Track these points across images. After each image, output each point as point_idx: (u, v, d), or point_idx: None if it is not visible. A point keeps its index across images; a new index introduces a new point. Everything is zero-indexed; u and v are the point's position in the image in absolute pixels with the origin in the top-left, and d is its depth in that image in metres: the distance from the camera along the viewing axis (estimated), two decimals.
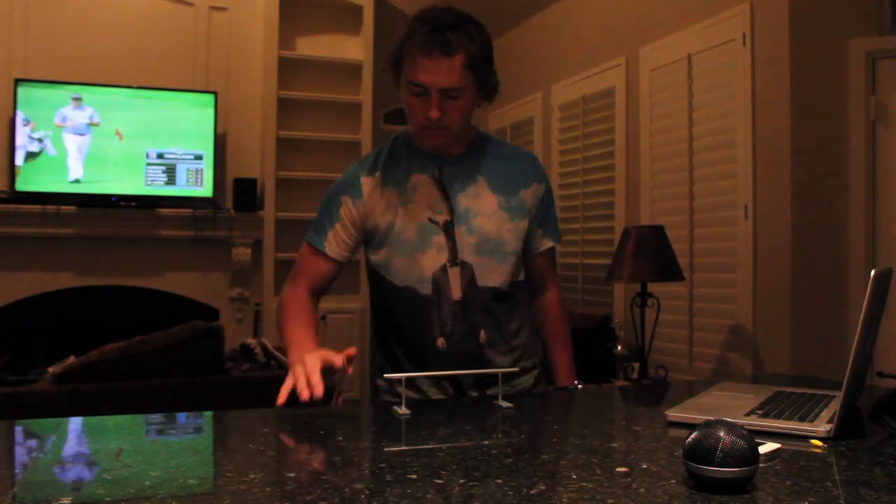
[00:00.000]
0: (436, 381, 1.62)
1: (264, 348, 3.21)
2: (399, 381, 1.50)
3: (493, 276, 1.61)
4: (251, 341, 3.30)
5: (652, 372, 3.76)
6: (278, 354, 3.17)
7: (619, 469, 0.99)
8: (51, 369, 3.01)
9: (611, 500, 0.85)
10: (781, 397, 1.37)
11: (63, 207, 4.85)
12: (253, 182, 5.28)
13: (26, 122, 4.79)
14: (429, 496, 0.87)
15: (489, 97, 1.60)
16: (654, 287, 3.69)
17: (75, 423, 1.36)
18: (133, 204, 5.01)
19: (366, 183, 1.62)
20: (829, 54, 3.30)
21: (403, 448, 1.15)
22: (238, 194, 5.22)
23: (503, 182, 1.64)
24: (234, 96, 5.37)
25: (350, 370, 1.32)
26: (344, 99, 5.57)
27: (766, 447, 1.04)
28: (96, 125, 4.93)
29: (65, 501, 0.86)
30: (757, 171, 3.43)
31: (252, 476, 0.95)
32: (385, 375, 1.65)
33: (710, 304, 3.70)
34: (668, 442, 1.14)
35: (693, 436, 0.91)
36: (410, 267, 1.59)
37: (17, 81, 4.78)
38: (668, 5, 4.06)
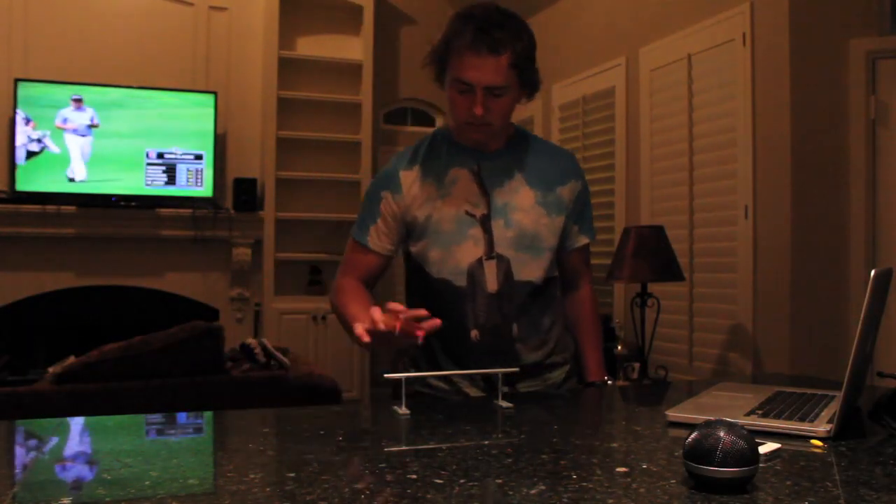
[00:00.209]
0: (469, 375, 1.64)
1: (264, 348, 3.20)
2: (411, 377, 1.52)
3: (529, 270, 1.64)
4: (251, 341, 3.30)
5: (652, 372, 3.76)
6: (278, 354, 3.17)
7: (619, 469, 0.99)
8: (51, 369, 3.01)
9: (611, 500, 0.85)
10: (781, 397, 1.37)
11: (63, 207, 4.85)
12: (253, 182, 5.28)
13: (26, 122, 4.79)
14: (429, 496, 0.87)
15: (531, 95, 1.63)
16: (654, 287, 3.69)
17: (75, 423, 1.36)
18: (133, 204, 5.01)
19: (405, 177, 1.65)
20: (829, 54, 3.30)
21: (403, 448, 1.15)
22: (238, 194, 5.22)
23: (541, 178, 1.66)
24: (234, 96, 5.37)
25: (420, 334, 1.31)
26: (344, 99, 5.57)
27: (766, 447, 1.04)
28: (96, 126, 4.93)
29: (65, 501, 0.86)
30: (757, 171, 3.43)
31: (252, 476, 0.95)
32: (385, 375, 1.65)
33: (710, 304, 3.70)
34: (668, 442, 1.14)
35: (693, 436, 0.91)
36: (447, 259, 1.62)
37: (17, 81, 4.78)
38: (668, 5, 4.06)
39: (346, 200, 5.56)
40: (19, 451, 1.17)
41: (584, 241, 1.75)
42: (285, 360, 3.15)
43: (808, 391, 1.43)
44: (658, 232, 3.53)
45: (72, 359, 3.03)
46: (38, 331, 4.96)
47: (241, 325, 5.38)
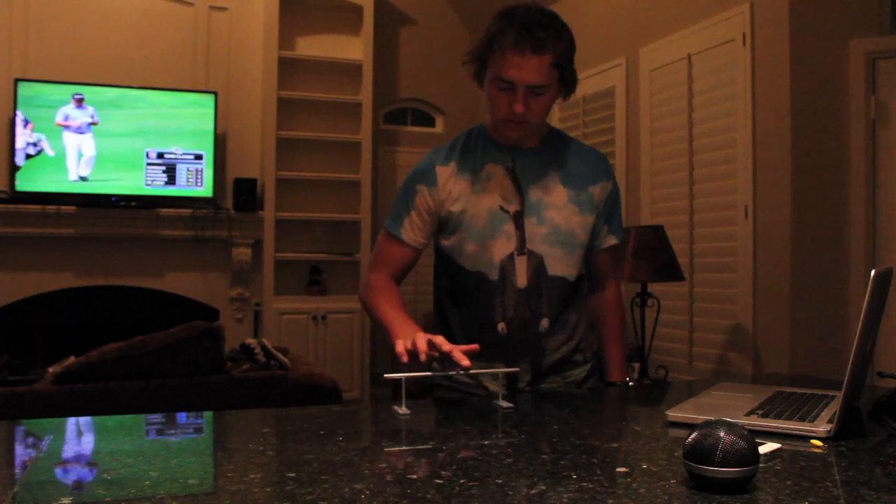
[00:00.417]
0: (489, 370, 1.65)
1: (264, 348, 3.20)
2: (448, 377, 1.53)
3: (562, 266, 1.67)
4: (251, 341, 3.30)
5: (652, 372, 3.76)
6: (278, 354, 3.17)
7: (619, 469, 0.99)
8: (51, 369, 3.01)
9: (611, 500, 0.85)
10: (781, 397, 1.37)
11: (63, 207, 4.85)
12: (253, 182, 5.28)
13: (26, 122, 4.79)
14: (429, 496, 0.87)
15: (567, 95, 1.65)
16: (654, 287, 3.69)
17: (75, 423, 1.36)
18: (133, 204, 5.01)
19: (441, 172, 1.68)
20: (829, 54, 3.30)
21: (403, 448, 1.15)
22: (238, 194, 5.22)
23: (574, 177, 1.70)
24: (234, 96, 5.37)
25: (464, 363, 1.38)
26: (344, 99, 5.57)
27: (766, 447, 1.04)
28: (96, 125, 4.93)
29: (65, 501, 0.86)
30: (757, 171, 3.43)
31: (252, 476, 0.95)
32: (385, 375, 1.65)
33: (710, 304, 3.70)
34: (668, 442, 1.14)
35: (693, 436, 0.91)
36: (481, 253, 1.64)
37: (17, 81, 4.78)
38: (668, 5, 4.06)
39: (346, 200, 5.56)
40: (19, 451, 1.17)
41: (612, 241, 1.78)
42: (285, 360, 3.15)
43: (808, 391, 1.43)
44: (658, 232, 3.53)
45: (72, 359, 3.02)
46: (38, 331, 4.96)
47: (241, 325, 5.38)
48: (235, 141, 5.40)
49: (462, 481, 0.93)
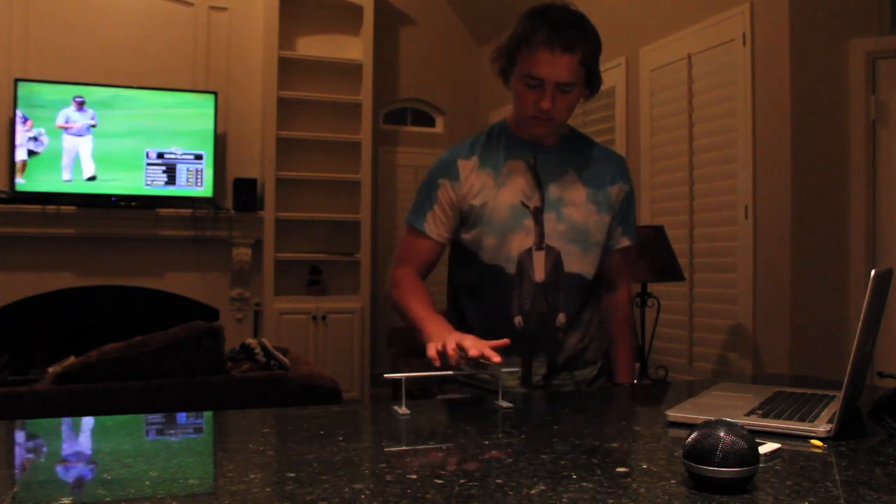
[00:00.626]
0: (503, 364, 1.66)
1: (264, 348, 3.20)
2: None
3: (578, 263, 1.69)
4: (251, 341, 3.30)
5: (652, 372, 3.76)
6: (278, 354, 3.17)
7: (619, 469, 0.99)
8: (51, 369, 3.01)
9: (611, 500, 0.85)
10: (781, 397, 1.37)
11: (63, 207, 4.85)
12: (253, 182, 5.28)
13: (26, 122, 4.80)
14: (429, 496, 0.87)
15: (591, 94, 1.69)
16: (654, 287, 3.69)
17: (75, 423, 1.36)
18: (133, 204, 5.01)
19: (463, 166, 1.70)
20: (829, 54, 3.30)
21: (403, 448, 1.15)
22: (238, 194, 5.22)
23: (592, 176, 1.73)
24: (234, 96, 5.37)
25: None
26: (344, 99, 5.57)
27: (766, 447, 1.04)
28: (94, 126, 4.93)
29: (65, 501, 0.86)
30: (757, 171, 3.43)
31: (252, 476, 0.95)
32: (385, 375, 1.65)
33: (710, 304, 3.70)
34: (668, 442, 1.14)
35: (693, 436, 0.91)
36: (500, 246, 1.67)
37: (17, 81, 4.78)
38: (668, 5, 4.06)
39: (346, 200, 5.56)
40: (19, 451, 1.17)
41: (625, 242, 1.80)
42: (285, 360, 3.15)
43: (808, 391, 1.43)
44: (658, 232, 3.53)
45: (72, 359, 3.02)
46: (38, 331, 4.96)
47: (241, 325, 5.38)
48: (235, 141, 5.40)
49: (462, 481, 0.93)
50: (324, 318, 5.33)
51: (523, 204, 1.66)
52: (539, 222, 1.66)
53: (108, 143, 4.96)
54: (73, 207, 4.87)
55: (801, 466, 0.99)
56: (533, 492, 0.88)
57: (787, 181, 3.30)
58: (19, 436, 1.25)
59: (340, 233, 5.61)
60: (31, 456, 1.12)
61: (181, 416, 1.49)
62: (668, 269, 3.46)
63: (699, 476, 0.89)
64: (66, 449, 1.16)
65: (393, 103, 6.14)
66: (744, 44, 3.49)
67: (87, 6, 5.06)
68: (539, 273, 1.66)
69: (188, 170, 5.12)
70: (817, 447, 1.10)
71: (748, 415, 1.23)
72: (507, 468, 0.98)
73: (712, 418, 0.93)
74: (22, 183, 4.79)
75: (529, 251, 1.66)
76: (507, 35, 1.64)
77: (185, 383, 2.76)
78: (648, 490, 0.89)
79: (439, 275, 1.82)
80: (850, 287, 3.26)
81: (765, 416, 1.22)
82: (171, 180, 5.08)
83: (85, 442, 1.23)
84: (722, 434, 0.88)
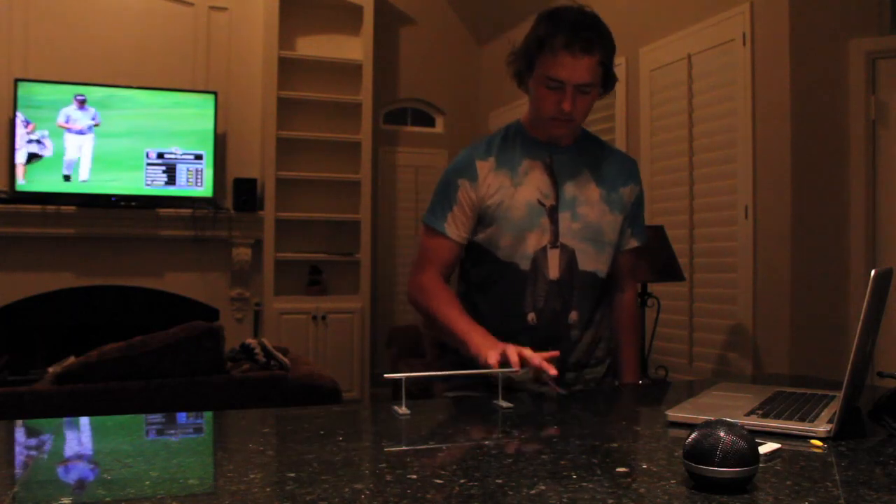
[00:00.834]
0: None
1: (264, 348, 3.20)
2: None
3: (592, 262, 1.72)
4: (251, 341, 3.30)
5: (652, 372, 3.76)
6: (278, 354, 3.17)
7: (619, 469, 0.99)
8: (51, 369, 3.01)
9: (611, 500, 0.85)
10: (781, 397, 1.37)
11: (63, 207, 4.85)
12: (253, 182, 5.28)
13: (26, 122, 4.80)
14: (429, 496, 0.87)
15: (607, 91, 1.71)
16: (654, 287, 3.69)
17: (75, 423, 1.36)
18: (133, 204, 5.01)
19: (481, 167, 1.72)
20: (829, 54, 3.30)
21: (403, 448, 1.15)
22: (238, 194, 5.22)
23: (606, 177, 1.76)
24: (234, 96, 5.37)
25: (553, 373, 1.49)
26: (344, 99, 5.57)
27: (766, 447, 1.04)
28: (97, 125, 4.93)
29: (65, 501, 0.86)
30: (757, 171, 3.43)
31: (252, 476, 0.95)
32: (385, 375, 1.65)
33: (710, 304, 3.70)
34: (668, 442, 1.14)
35: (693, 436, 0.91)
36: (517, 244, 1.69)
37: (17, 81, 4.78)
38: (668, 5, 4.06)
39: (346, 200, 5.56)
40: (19, 451, 1.17)
41: (634, 243, 1.84)
42: (285, 360, 3.15)
43: (808, 391, 1.43)
44: (658, 232, 3.53)
45: (72, 359, 3.02)
46: (38, 331, 4.96)
47: (241, 325, 5.38)
48: (235, 141, 5.40)
49: (462, 481, 0.93)
50: (324, 318, 5.33)
51: (540, 202, 1.68)
52: (554, 221, 1.69)
53: (108, 142, 4.96)
54: (73, 207, 4.87)
55: (801, 466, 0.99)
56: (533, 492, 0.88)
57: (787, 181, 3.30)
58: (19, 436, 1.25)
59: (340, 233, 5.61)
60: (31, 456, 1.12)
61: (181, 416, 1.50)
62: (668, 269, 3.46)
63: (699, 476, 0.89)
64: (67, 449, 1.16)
65: (393, 103, 6.14)
66: (744, 44, 3.49)
67: (87, 6, 5.06)
68: (553, 271, 1.69)
69: (188, 170, 5.12)
70: (817, 447, 1.10)
71: (748, 415, 1.23)
72: (507, 468, 0.98)
73: (712, 418, 0.93)
74: (22, 183, 4.79)
75: (544, 249, 1.68)
76: (523, 39, 1.66)
77: (185, 383, 2.76)
78: (648, 490, 0.89)
79: None
80: (850, 287, 3.26)
81: (765, 416, 1.22)
82: (171, 180, 5.08)
83: (85, 442, 1.23)
84: (722, 434, 0.88)
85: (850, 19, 3.30)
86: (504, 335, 1.65)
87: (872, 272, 1.11)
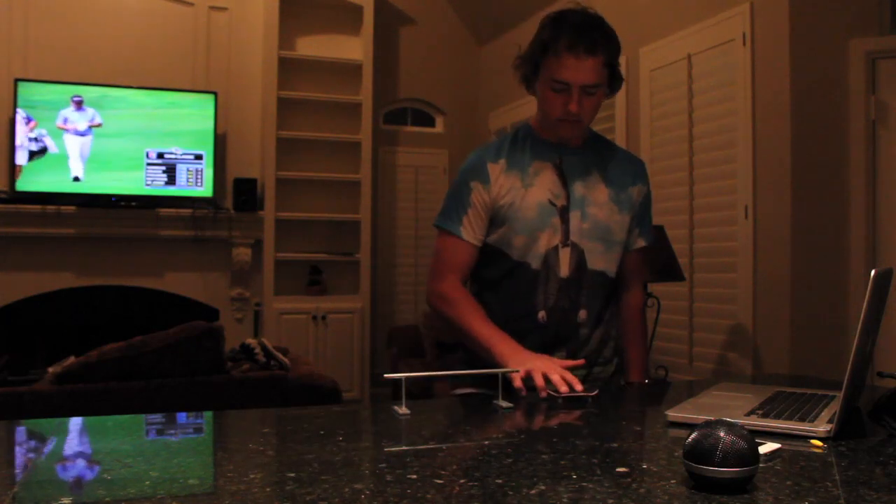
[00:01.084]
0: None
1: (264, 348, 3.20)
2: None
3: (601, 261, 1.74)
4: (251, 341, 3.30)
5: (652, 372, 3.76)
6: (278, 354, 3.17)
7: (619, 469, 0.98)
8: (51, 369, 3.01)
9: (611, 500, 0.85)
10: (781, 397, 1.37)
11: (63, 207, 4.85)
12: (253, 182, 5.28)
13: (27, 122, 4.80)
14: (429, 496, 0.87)
15: (614, 91, 1.74)
16: (654, 287, 3.69)
17: (75, 423, 1.36)
18: (133, 204, 5.01)
19: (493, 169, 1.74)
20: (829, 54, 3.30)
21: (403, 448, 1.15)
22: (238, 194, 5.22)
23: (614, 177, 1.78)
24: (234, 96, 5.37)
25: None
26: (344, 99, 5.57)
27: (766, 447, 1.04)
28: (97, 126, 4.93)
29: (65, 501, 0.86)
30: (757, 171, 3.43)
31: (252, 476, 0.95)
32: (385, 375, 1.65)
33: (710, 304, 3.70)
34: (668, 442, 1.14)
35: (693, 436, 0.91)
36: (529, 244, 1.71)
37: (17, 81, 4.78)
38: (668, 5, 4.06)
39: (346, 200, 5.56)
40: (19, 451, 1.17)
41: (641, 243, 1.86)
42: (285, 360, 3.15)
43: (808, 391, 1.43)
44: (658, 232, 3.53)
45: (72, 359, 3.02)
46: (38, 331, 4.96)
47: (241, 325, 5.38)
48: (235, 141, 5.40)
49: (462, 481, 0.93)
50: (324, 318, 5.33)
51: (551, 202, 1.70)
52: (565, 220, 1.71)
53: (108, 142, 4.96)
54: (73, 207, 4.87)
55: (801, 466, 0.99)
56: (533, 492, 0.88)
57: (787, 181, 3.30)
58: (19, 436, 1.25)
59: (340, 233, 5.61)
60: (31, 456, 1.12)
61: (181, 416, 1.50)
62: (668, 269, 3.46)
63: (699, 476, 0.89)
64: (67, 449, 1.16)
65: (393, 103, 6.14)
66: (744, 44, 3.49)
67: (88, 6, 5.06)
68: (564, 269, 1.70)
69: (188, 170, 5.12)
70: (817, 447, 1.10)
71: (748, 415, 1.23)
72: (507, 468, 0.98)
73: (712, 418, 0.93)
74: (22, 183, 4.79)
75: (556, 248, 1.70)
76: (529, 43, 1.68)
77: (185, 383, 2.76)
78: (648, 490, 0.89)
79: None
80: (850, 287, 3.26)
81: (765, 416, 1.22)
82: (171, 180, 5.08)
83: (85, 442, 1.23)
84: (722, 434, 0.88)
85: (850, 19, 3.29)
86: (515, 333, 1.67)
87: (872, 272, 1.11)
